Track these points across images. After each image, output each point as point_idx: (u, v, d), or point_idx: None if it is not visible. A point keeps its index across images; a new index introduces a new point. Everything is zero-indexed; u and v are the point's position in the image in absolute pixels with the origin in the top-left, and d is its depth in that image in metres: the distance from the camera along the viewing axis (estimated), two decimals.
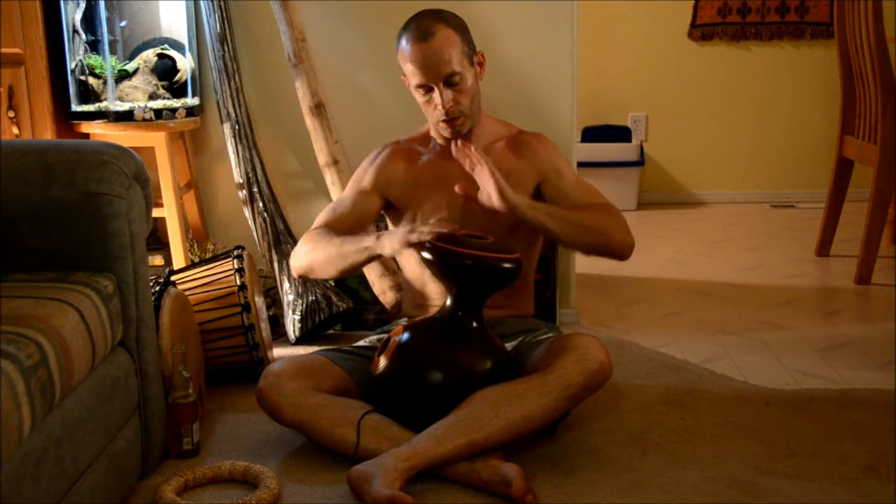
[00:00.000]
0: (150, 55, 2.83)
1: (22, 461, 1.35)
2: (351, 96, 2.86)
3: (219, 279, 2.37)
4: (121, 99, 2.78)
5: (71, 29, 2.70)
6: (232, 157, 2.79)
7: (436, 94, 2.08)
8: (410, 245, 1.94)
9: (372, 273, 2.67)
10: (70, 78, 2.70)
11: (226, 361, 2.36)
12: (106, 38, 2.77)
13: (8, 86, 2.49)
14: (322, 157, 2.72)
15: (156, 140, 2.72)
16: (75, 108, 2.73)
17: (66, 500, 1.48)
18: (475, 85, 2.13)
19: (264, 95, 2.89)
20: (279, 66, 2.80)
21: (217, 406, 2.25)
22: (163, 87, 2.83)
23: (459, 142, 2.04)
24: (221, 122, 2.80)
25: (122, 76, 2.80)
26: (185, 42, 2.84)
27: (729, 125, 4.92)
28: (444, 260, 1.92)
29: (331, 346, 2.22)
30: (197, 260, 2.75)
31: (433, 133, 2.23)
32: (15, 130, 2.51)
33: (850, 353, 2.62)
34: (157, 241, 2.98)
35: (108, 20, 2.78)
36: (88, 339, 1.59)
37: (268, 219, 2.78)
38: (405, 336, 1.95)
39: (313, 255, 2.11)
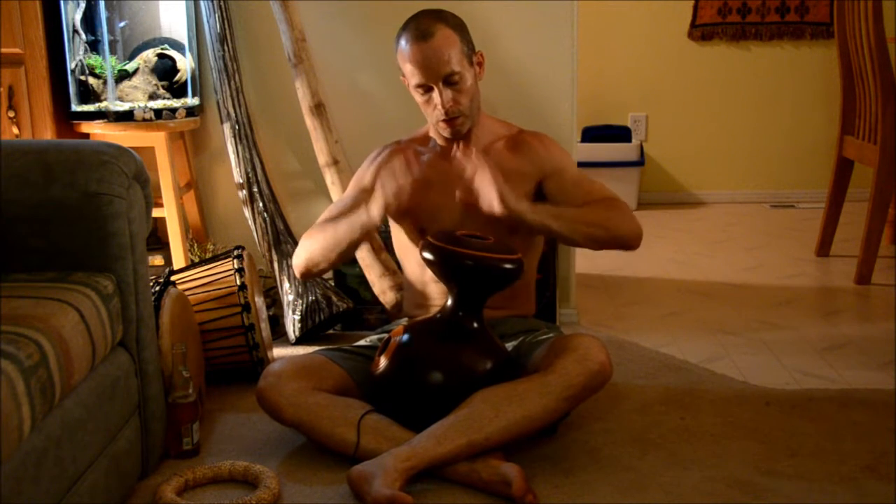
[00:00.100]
0: (150, 55, 2.83)
1: (22, 461, 1.35)
2: (351, 96, 2.86)
3: (219, 279, 2.37)
4: (121, 99, 2.78)
5: (71, 29, 2.70)
6: (232, 157, 2.79)
7: (435, 94, 2.08)
8: (387, 199, 1.98)
9: (372, 273, 2.67)
10: (70, 78, 2.70)
11: (226, 361, 2.36)
12: (106, 38, 2.77)
13: (8, 86, 2.49)
14: (322, 157, 2.72)
15: (156, 140, 2.72)
16: (75, 108, 2.73)
17: (66, 500, 1.48)
18: (475, 85, 2.13)
19: (264, 95, 2.89)
20: (279, 66, 2.80)
21: (217, 406, 2.25)
22: (163, 87, 2.83)
23: (461, 146, 2.04)
24: (221, 122, 2.80)
25: (122, 76, 2.80)
26: (185, 42, 2.84)
27: (729, 125, 4.92)
28: (444, 260, 1.92)
29: (331, 346, 2.22)
30: (197, 260, 2.75)
31: (433, 133, 2.23)
32: (15, 130, 2.51)
33: (850, 353, 2.62)
34: (157, 241, 2.98)
35: (108, 20, 2.78)
36: (88, 339, 1.59)
37: (268, 219, 2.78)
38: (406, 336, 1.95)
39: (312, 246, 2.12)
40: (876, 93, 3.26)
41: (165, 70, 2.84)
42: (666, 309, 3.09)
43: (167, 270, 2.47)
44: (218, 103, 2.79)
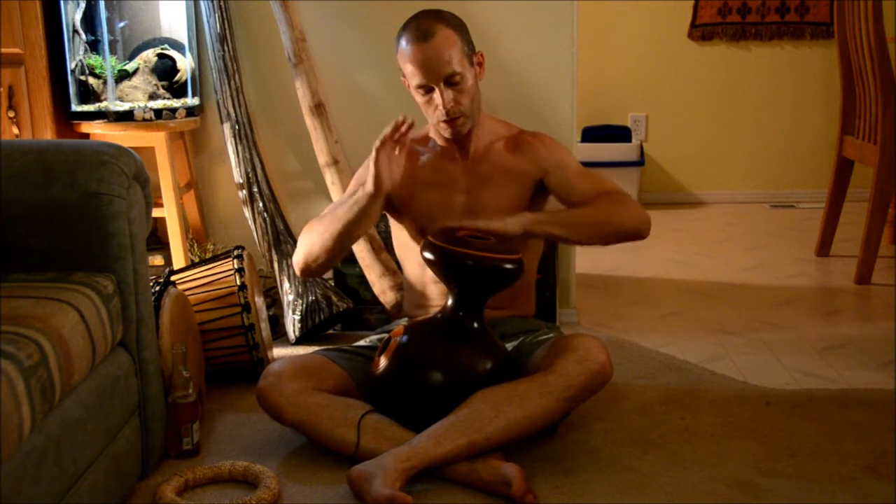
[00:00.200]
0: (150, 55, 2.83)
1: (22, 461, 1.35)
2: (351, 96, 2.86)
3: (219, 279, 2.37)
4: (121, 99, 2.78)
5: (71, 29, 2.70)
6: (232, 157, 2.79)
7: (436, 95, 2.08)
8: (379, 151, 1.96)
9: (372, 273, 2.67)
10: (70, 78, 2.70)
11: (226, 361, 2.36)
12: (106, 38, 2.77)
13: (8, 86, 2.49)
14: (322, 157, 2.72)
15: (156, 140, 2.72)
16: (75, 108, 2.73)
17: (66, 500, 1.48)
18: (475, 85, 2.13)
19: (264, 95, 2.89)
20: (279, 66, 2.80)
21: (217, 406, 2.25)
22: (163, 87, 2.83)
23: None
24: (221, 122, 2.80)
25: (122, 76, 2.80)
26: (185, 42, 2.84)
27: (729, 125, 4.92)
28: (445, 260, 1.92)
29: (331, 346, 2.21)
30: (197, 260, 2.75)
31: (433, 133, 2.23)
32: (15, 130, 2.51)
33: (850, 353, 2.62)
34: (157, 241, 2.98)
35: (108, 20, 2.78)
36: (88, 339, 1.59)
37: (268, 219, 2.78)
38: (406, 336, 1.95)
39: (311, 238, 2.11)
40: (876, 93, 3.26)
41: (165, 70, 2.84)
42: (666, 309, 3.09)
43: (167, 270, 2.47)
44: (218, 103, 2.79)
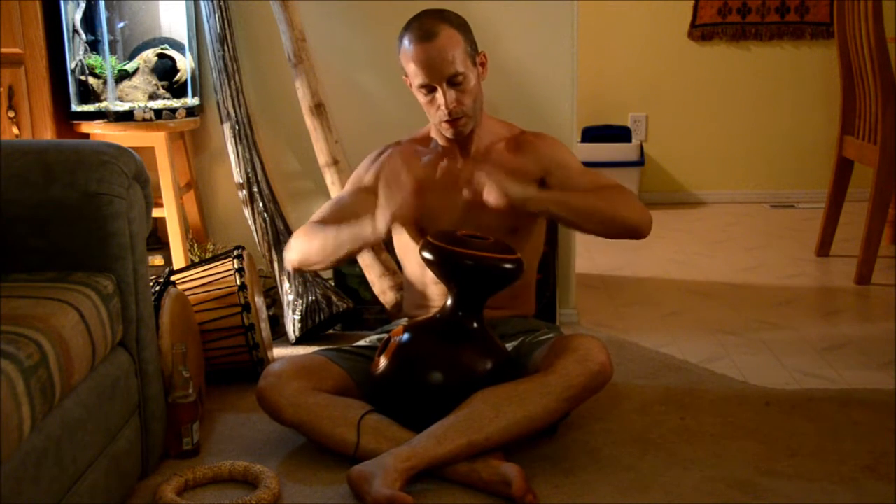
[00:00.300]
0: (150, 55, 2.83)
1: (22, 461, 1.35)
2: (351, 96, 2.86)
3: (219, 279, 2.37)
4: (121, 99, 2.78)
5: (71, 29, 2.70)
6: (232, 157, 2.79)
7: (439, 95, 2.07)
8: (393, 214, 1.94)
9: (372, 273, 2.67)
10: (70, 78, 2.70)
11: (226, 361, 2.36)
12: (106, 38, 2.77)
13: (8, 86, 2.49)
14: (322, 157, 2.72)
15: (156, 140, 2.72)
16: (75, 108, 2.73)
17: (66, 500, 1.48)
18: (478, 85, 2.12)
19: (264, 95, 2.89)
20: (279, 66, 2.80)
21: (217, 406, 2.25)
22: (163, 87, 2.83)
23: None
24: (221, 122, 2.80)
25: (122, 76, 2.80)
26: (185, 42, 2.84)
27: (729, 125, 4.92)
28: (444, 260, 1.92)
29: (331, 346, 2.21)
30: (197, 260, 2.75)
31: (434, 134, 2.23)
32: (15, 130, 2.51)
33: (850, 353, 2.62)
34: (157, 241, 2.98)
35: (108, 20, 2.78)
36: (88, 339, 1.59)
37: (268, 219, 2.78)
38: (406, 336, 1.95)
39: (308, 245, 2.09)
40: (876, 93, 3.26)
41: (165, 70, 2.84)
42: (666, 309, 3.09)
43: (167, 270, 2.47)
44: (218, 103, 2.79)
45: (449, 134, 2.13)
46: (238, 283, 2.33)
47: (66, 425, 1.49)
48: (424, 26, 2.06)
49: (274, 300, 2.81)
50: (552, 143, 2.22)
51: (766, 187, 4.95)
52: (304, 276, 2.70)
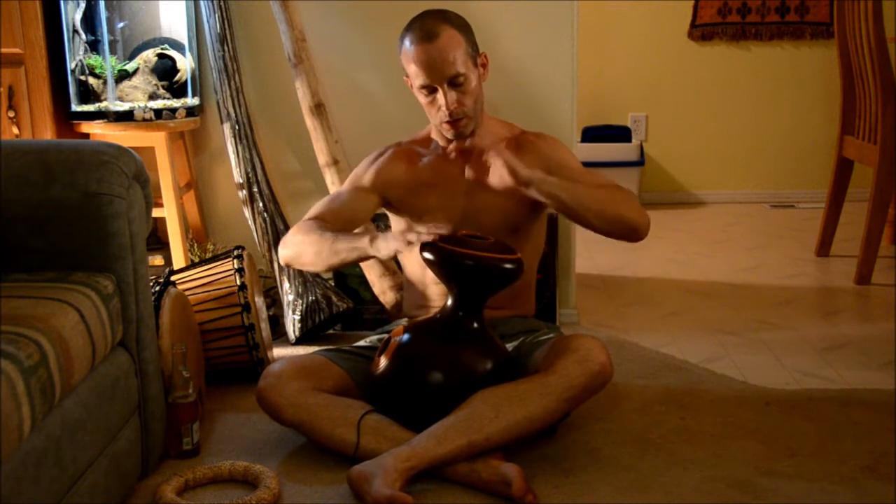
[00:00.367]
0: (150, 55, 2.83)
1: (22, 461, 1.35)
2: (351, 96, 2.87)
3: (219, 279, 2.37)
4: (121, 99, 2.78)
5: (71, 29, 2.70)
6: (232, 157, 2.79)
7: (440, 96, 2.07)
8: (409, 244, 1.90)
9: (372, 273, 2.67)
10: (70, 78, 2.70)
11: (226, 361, 2.36)
12: (106, 38, 2.77)
13: (8, 86, 2.49)
14: (322, 157, 2.72)
15: (156, 140, 2.72)
16: (75, 108, 2.73)
17: (66, 500, 1.48)
18: (479, 86, 2.12)
19: (264, 95, 2.89)
20: (279, 66, 2.80)
21: (217, 406, 2.25)
22: (163, 87, 2.83)
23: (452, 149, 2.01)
24: (221, 122, 2.80)
25: (122, 76, 2.80)
26: (185, 42, 2.84)
27: (729, 125, 4.92)
28: (445, 260, 1.92)
29: (331, 346, 2.22)
30: (197, 260, 2.75)
31: (434, 134, 2.22)
32: (15, 130, 2.51)
33: (850, 353, 2.62)
34: (157, 241, 2.98)
35: (108, 20, 2.78)
36: (88, 339, 1.59)
37: (268, 219, 2.78)
38: (406, 336, 1.95)
39: (304, 246, 2.07)
40: (876, 93, 3.26)
41: (165, 70, 2.84)
42: (666, 309, 3.09)
43: (167, 270, 2.47)
44: (218, 103, 2.79)
45: (450, 135, 2.13)
46: (238, 283, 2.33)
47: (66, 425, 1.49)
48: (426, 27, 2.06)
49: (274, 300, 2.81)
50: (553, 144, 2.22)
51: (766, 187, 4.95)
52: (303, 275, 2.70)
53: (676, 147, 4.95)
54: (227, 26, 2.76)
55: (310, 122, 2.73)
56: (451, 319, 1.96)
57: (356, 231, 2.21)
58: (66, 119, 2.72)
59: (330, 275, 2.78)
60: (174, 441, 1.97)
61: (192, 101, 2.85)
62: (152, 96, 2.80)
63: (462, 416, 1.82)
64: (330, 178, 2.72)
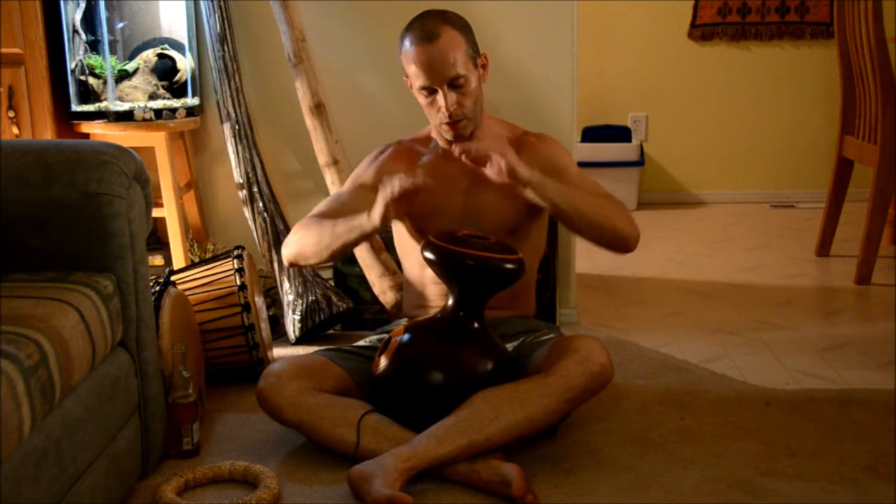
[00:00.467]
0: (150, 55, 2.83)
1: (22, 461, 1.35)
2: (351, 96, 2.87)
3: (219, 279, 2.37)
4: (121, 99, 2.78)
5: (71, 29, 2.70)
6: (232, 157, 2.79)
7: (439, 97, 2.06)
8: (391, 195, 1.90)
9: (372, 273, 2.67)
10: (70, 78, 2.70)
11: (226, 361, 2.36)
12: (106, 38, 2.77)
13: (8, 86, 2.49)
14: (322, 157, 2.72)
15: (156, 140, 2.72)
16: (75, 108, 2.73)
17: (66, 500, 1.48)
18: (479, 87, 2.11)
19: (264, 95, 2.89)
20: (279, 66, 2.80)
21: (217, 406, 2.25)
22: (163, 87, 2.83)
23: (457, 147, 1.98)
24: (221, 122, 2.80)
25: (122, 76, 2.80)
26: (185, 42, 2.84)
27: (729, 125, 4.92)
28: (446, 260, 1.92)
29: (331, 346, 2.21)
30: (197, 260, 2.75)
31: (434, 135, 2.22)
32: (15, 130, 2.51)
33: (850, 353, 2.62)
34: (157, 241, 2.98)
35: (108, 20, 2.78)
36: (88, 339, 1.59)
37: (268, 219, 2.78)
38: (406, 336, 1.95)
39: (305, 240, 2.08)
40: (876, 93, 3.26)
41: (165, 70, 2.84)
42: (666, 309, 3.09)
43: (167, 270, 2.47)
44: (218, 103, 2.79)
45: (449, 136, 2.13)
46: (238, 283, 2.33)
47: (66, 425, 1.49)
48: (426, 27, 2.05)
49: (274, 300, 2.81)
50: (552, 146, 2.22)
51: (766, 187, 4.96)
52: (303, 275, 2.70)
53: (676, 147, 4.95)
54: (227, 26, 2.76)
55: (310, 122, 2.73)
56: (451, 319, 1.96)
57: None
58: (66, 119, 2.72)
59: (330, 275, 2.78)
60: (174, 441, 1.97)
61: (192, 101, 2.85)
62: (152, 96, 2.80)
63: (462, 416, 1.82)
64: (330, 178, 2.72)
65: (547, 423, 1.88)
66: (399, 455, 1.76)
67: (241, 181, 2.78)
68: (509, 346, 2.09)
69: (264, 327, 2.47)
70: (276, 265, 2.76)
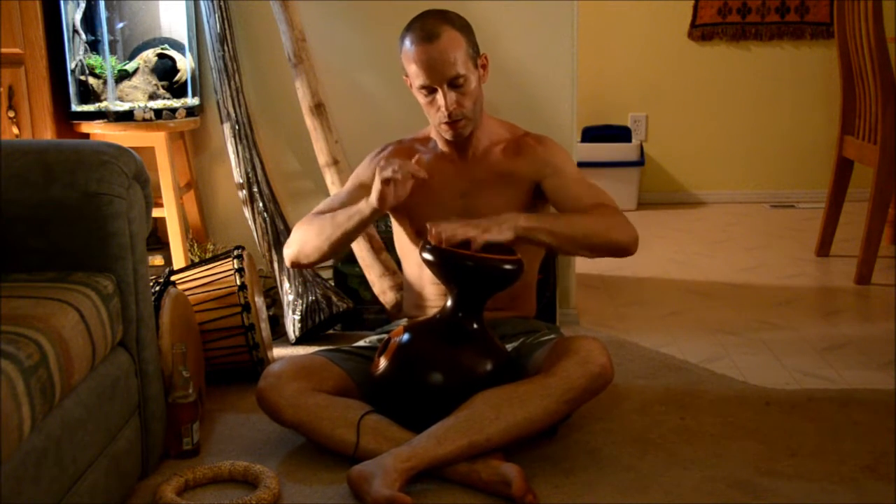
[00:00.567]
0: (150, 55, 2.83)
1: (22, 461, 1.35)
2: (351, 96, 2.87)
3: (219, 279, 2.37)
4: (121, 99, 2.78)
5: (71, 29, 2.70)
6: (232, 157, 2.79)
7: (439, 96, 2.06)
8: (385, 181, 1.94)
9: (372, 273, 2.67)
10: (70, 78, 2.70)
11: (226, 361, 2.36)
12: (106, 38, 2.77)
13: (8, 86, 2.49)
14: (322, 157, 2.72)
15: (156, 140, 2.72)
16: (75, 108, 2.73)
17: (66, 500, 1.48)
18: (478, 87, 2.11)
19: (264, 95, 2.89)
20: (279, 66, 2.80)
21: (217, 406, 2.25)
22: (163, 87, 2.83)
23: (429, 226, 1.94)
24: (221, 122, 2.80)
25: (122, 76, 2.80)
26: (185, 42, 2.84)
27: (729, 125, 4.92)
28: (444, 261, 1.92)
29: (331, 347, 2.22)
30: (197, 260, 2.75)
31: (434, 135, 2.22)
32: (15, 130, 2.51)
33: (850, 353, 2.62)
34: (157, 241, 2.98)
35: (108, 20, 2.78)
36: (88, 339, 1.59)
37: (268, 219, 2.78)
38: (405, 337, 1.95)
39: (306, 235, 2.10)
40: (876, 93, 3.26)
41: (165, 70, 2.84)
42: (666, 309, 3.09)
43: (167, 270, 2.47)
44: (218, 103, 2.79)
45: (448, 136, 2.13)
46: (238, 283, 2.33)
47: (66, 425, 1.49)
48: (427, 27, 2.05)
49: (274, 300, 2.81)
50: (551, 148, 2.21)
51: (766, 187, 4.96)
52: (303, 275, 2.70)
53: (676, 147, 4.95)
54: (227, 26, 2.76)
55: (310, 122, 2.73)
56: (451, 320, 1.96)
57: None
58: (66, 119, 2.73)
59: (330, 275, 2.78)
60: (174, 441, 1.96)
61: (192, 101, 2.85)
62: (152, 96, 2.80)
63: (462, 416, 1.82)
64: (330, 178, 2.72)
65: (547, 424, 1.88)
66: (399, 455, 1.76)
67: (241, 181, 2.78)
68: (509, 347, 2.09)
69: (264, 327, 2.47)
70: (276, 265, 2.76)
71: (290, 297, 2.69)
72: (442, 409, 1.85)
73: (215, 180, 2.99)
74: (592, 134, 4.72)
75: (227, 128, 2.78)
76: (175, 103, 2.79)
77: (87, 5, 2.75)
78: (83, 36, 2.75)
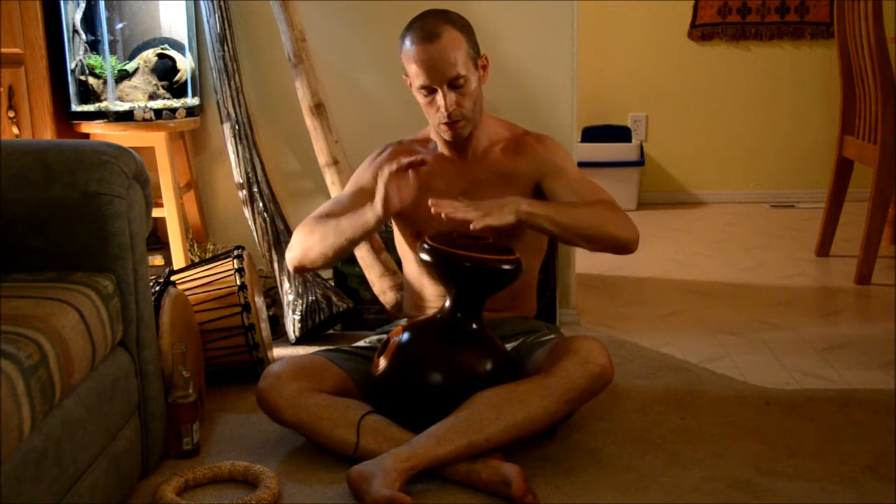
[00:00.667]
0: (150, 55, 2.83)
1: (22, 461, 1.35)
2: (351, 96, 2.87)
3: (219, 279, 2.37)
4: (121, 99, 2.78)
5: (71, 29, 2.70)
6: (232, 157, 2.79)
7: (439, 97, 2.06)
8: (385, 179, 1.92)
9: (372, 273, 2.67)
10: (70, 78, 2.71)
11: (226, 361, 2.36)
12: (106, 38, 2.77)
13: (8, 86, 2.49)
14: (322, 157, 2.72)
15: (156, 140, 2.72)
16: (75, 108, 2.73)
17: (66, 500, 1.48)
18: (478, 88, 2.11)
19: (264, 95, 2.89)
20: (279, 66, 2.80)
21: (217, 406, 2.25)
22: (163, 87, 2.83)
23: (431, 202, 1.95)
24: (221, 122, 2.80)
25: (122, 76, 2.80)
26: (185, 42, 2.85)
27: (729, 125, 4.92)
28: (442, 262, 1.92)
29: (331, 347, 2.21)
30: (197, 260, 2.75)
31: (433, 135, 2.22)
32: (15, 130, 2.51)
33: (850, 353, 2.62)
34: (157, 241, 2.98)
35: (108, 20, 2.78)
36: (88, 339, 1.59)
37: (268, 219, 2.78)
38: (405, 337, 1.95)
39: (310, 240, 2.08)
40: (876, 93, 3.26)
41: (165, 70, 2.84)
42: (666, 309, 3.09)
43: (167, 270, 2.47)
44: (218, 103, 2.79)
45: (447, 136, 2.13)
46: (238, 283, 2.33)
47: (66, 425, 1.49)
48: (427, 27, 2.05)
49: (274, 300, 2.81)
50: (551, 147, 2.21)
51: (766, 187, 4.96)
52: (304, 275, 2.70)
53: (676, 147, 4.95)
54: (227, 26, 2.76)
55: (310, 122, 2.73)
56: (450, 320, 1.96)
57: None
58: (66, 119, 2.73)
59: (330, 275, 2.78)
60: (174, 441, 1.97)
61: (192, 101, 2.85)
62: (152, 96, 2.80)
63: (462, 416, 1.82)
64: (330, 178, 2.72)
65: (547, 424, 1.88)
66: (398, 455, 1.76)
67: (241, 181, 2.78)
68: (509, 347, 2.09)
69: (264, 327, 2.47)
70: (276, 265, 2.76)
71: (290, 297, 2.69)
72: (442, 409, 1.85)
73: (215, 180, 2.99)
74: (592, 134, 4.72)
75: (227, 128, 2.78)
76: (175, 103, 2.79)
77: (87, 5, 2.75)
78: (83, 36, 2.75)
